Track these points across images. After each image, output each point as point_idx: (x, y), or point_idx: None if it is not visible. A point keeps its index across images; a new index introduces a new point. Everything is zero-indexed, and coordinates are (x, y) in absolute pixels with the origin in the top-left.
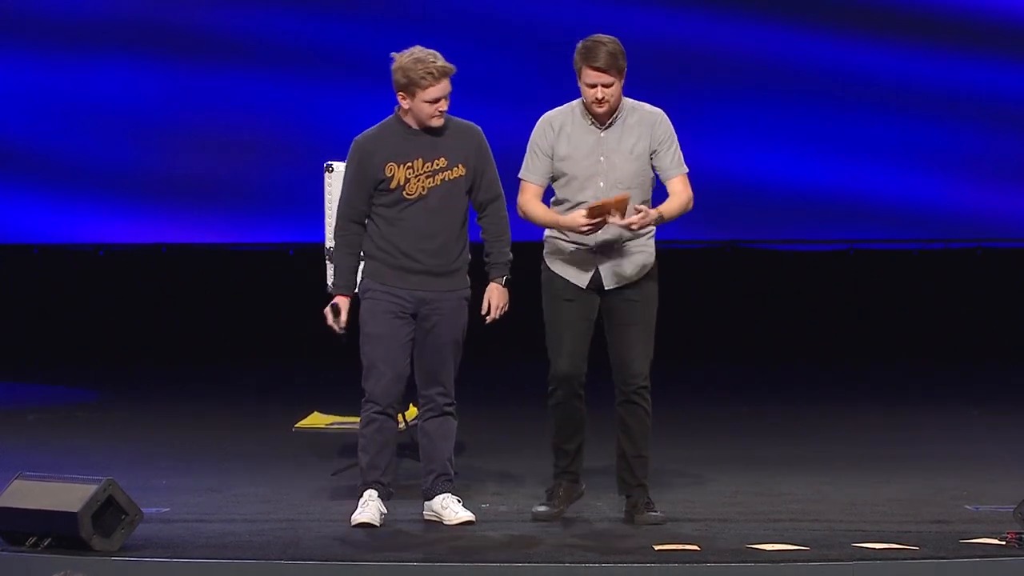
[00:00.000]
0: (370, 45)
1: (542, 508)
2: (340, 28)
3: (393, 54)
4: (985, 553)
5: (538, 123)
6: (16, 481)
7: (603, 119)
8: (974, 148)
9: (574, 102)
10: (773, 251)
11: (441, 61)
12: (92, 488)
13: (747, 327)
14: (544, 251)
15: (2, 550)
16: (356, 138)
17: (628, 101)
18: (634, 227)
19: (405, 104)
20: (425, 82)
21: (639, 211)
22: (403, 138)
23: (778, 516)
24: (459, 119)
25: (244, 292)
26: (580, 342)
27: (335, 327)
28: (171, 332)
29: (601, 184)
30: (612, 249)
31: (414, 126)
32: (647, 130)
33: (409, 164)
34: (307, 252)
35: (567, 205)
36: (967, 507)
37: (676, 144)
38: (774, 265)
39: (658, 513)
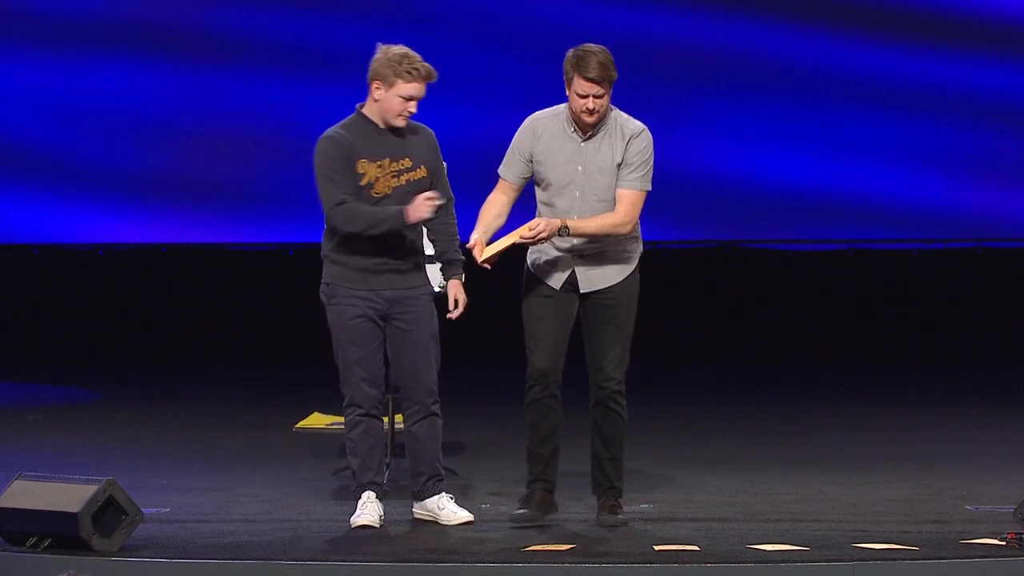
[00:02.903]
0: (370, 45)
1: (520, 511)
2: (340, 28)
3: (380, 45)
4: (985, 553)
5: (523, 123)
6: (16, 481)
7: (588, 130)
8: (974, 148)
9: (560, 107)
10: (773, 251)
11: (428, 65)
12: (92, 488)
13: (747, 327)
14: (528, 249)
15: (2, 550)
16: (327, 133)
17: (615, 113)
18: (528, 238)
19: (377, 94)
20: (408, 77)
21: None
22: (372, 135)
23: (778, 516)
24: (413, 121)
25: (244, 292)
26: (556, 340)
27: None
28: (171, 332)
29: (577, 194)
30: (590, 253)
31: (379, 124)
32: (624, 144)
33: (379, 162)
34: (307, 252)
35: (549, 210)
36: (967, 507)
37: (648, 166)
38: (774, 265)
39: (620, 515)
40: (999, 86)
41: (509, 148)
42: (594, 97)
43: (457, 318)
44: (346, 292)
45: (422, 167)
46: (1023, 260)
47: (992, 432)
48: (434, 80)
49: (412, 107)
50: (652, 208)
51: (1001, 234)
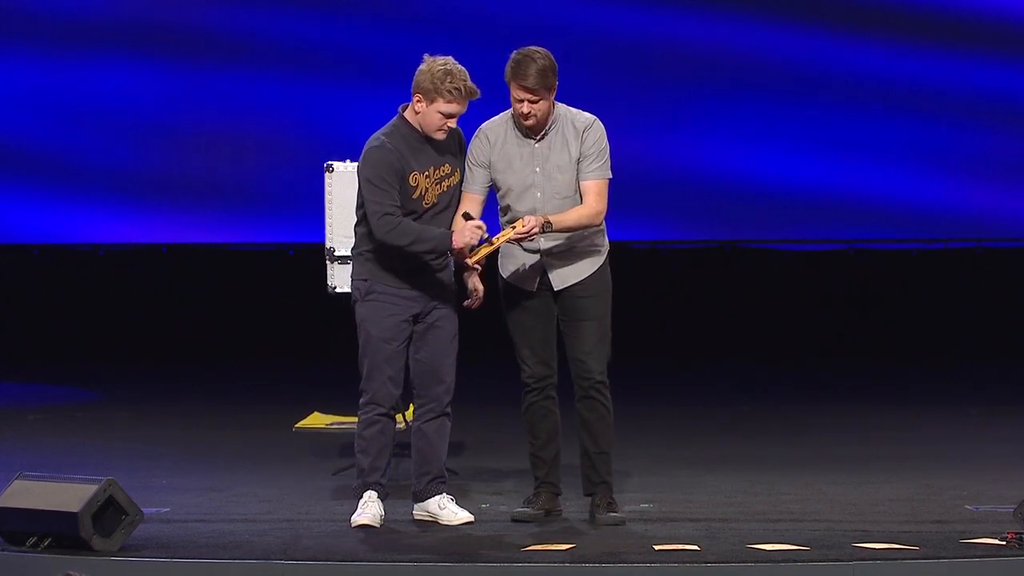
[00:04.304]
0: (370, 45)
1: (522, 509)
2: (340, 28)
3: (427, 56)
4: (985, 553)
5: (475, 134)
6: (16, 481)
7: (538, 131)
8: (974, 148)
9: (508, 112)
10: (773, 251)
11: (470, 83)
12: (92, 488)
13: (747, 327)
14: (498, 257)
15: (2, 550)
16: (379, 142)
17: (562, 110)
18: (522, 233)
19: (419, 107)
20: (449, 96)
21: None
22: (418, 146)
23: (778, 516)
24: None
25: (244, 292)
26: (543, 342)
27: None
28: (171, 332)
29: (538, 195)
30: (559, 251)
31: (421, 132)
32: (579, 139)
33: (427, 173)
34: (307, 252)
35: (510, 214)
36: (967, 507)
37: (606, 154)
38: (774, 265)
39: (618, 514)
40: (999, 86)
41: (466, 162)
42: (529, 102)
43: (476, 307)
44: (386, 290)
45: (456, 171)
46: (1023, 260)
47: (992, 432)
48: (476, 98)
49: (452, 123)
50: (652, 208)
51: (1001, 234)
